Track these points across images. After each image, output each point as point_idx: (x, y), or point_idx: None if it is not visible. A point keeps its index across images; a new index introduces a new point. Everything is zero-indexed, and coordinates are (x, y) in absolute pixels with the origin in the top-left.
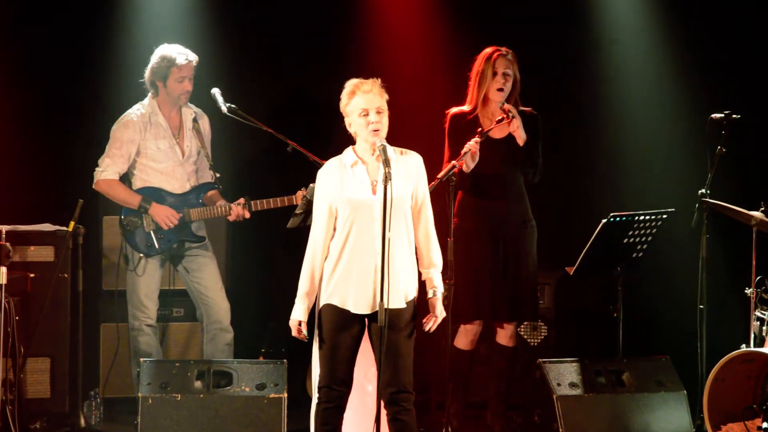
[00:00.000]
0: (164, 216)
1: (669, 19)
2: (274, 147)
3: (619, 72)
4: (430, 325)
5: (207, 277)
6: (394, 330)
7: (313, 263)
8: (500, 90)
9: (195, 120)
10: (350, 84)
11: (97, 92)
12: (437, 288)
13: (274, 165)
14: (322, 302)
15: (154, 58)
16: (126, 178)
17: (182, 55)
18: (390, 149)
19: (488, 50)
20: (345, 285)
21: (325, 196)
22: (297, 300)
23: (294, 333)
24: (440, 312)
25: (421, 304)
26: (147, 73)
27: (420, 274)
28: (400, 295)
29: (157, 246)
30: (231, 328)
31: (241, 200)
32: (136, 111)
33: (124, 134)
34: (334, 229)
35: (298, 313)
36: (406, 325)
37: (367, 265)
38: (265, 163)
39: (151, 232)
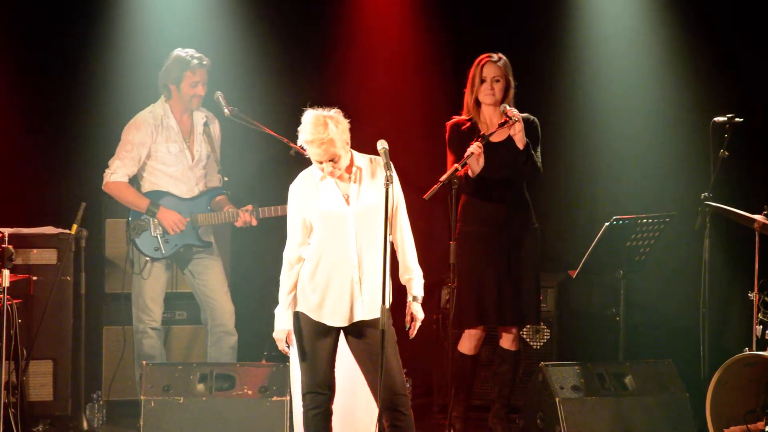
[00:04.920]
0: (171, 221)
1: (671, 21)
2: (284, 153)
3: (622, 75)
4: (411, 329)
5: (212, 280)
6: (377, 339)
7: (291, 275)
8: (488, 96)
9: (206, 124)
10: (302, 134)
11: (100, 95)
12: (416, 295)
13: (284, 171)
14: (296, 308)
15: (168, 61)
16: (135, 181)
17: (196, 59)
18: (359, 156)
19: (480, 56)
20: (320, 299)
21: (299, 210)
22: (281, 310)
23: (281, 345)
24: (419, 314)
25: (400, 309)
26: (160, 75)
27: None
28: (378, 304)
29: (163, 250)
30: (235, 332)
31: (249, 207)
32: (147, 113)
33: (135, 137)
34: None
35: (286, 323)
36: (387, 330)
37: (344, 279)
38: (274, 169)
39: (158, 236)
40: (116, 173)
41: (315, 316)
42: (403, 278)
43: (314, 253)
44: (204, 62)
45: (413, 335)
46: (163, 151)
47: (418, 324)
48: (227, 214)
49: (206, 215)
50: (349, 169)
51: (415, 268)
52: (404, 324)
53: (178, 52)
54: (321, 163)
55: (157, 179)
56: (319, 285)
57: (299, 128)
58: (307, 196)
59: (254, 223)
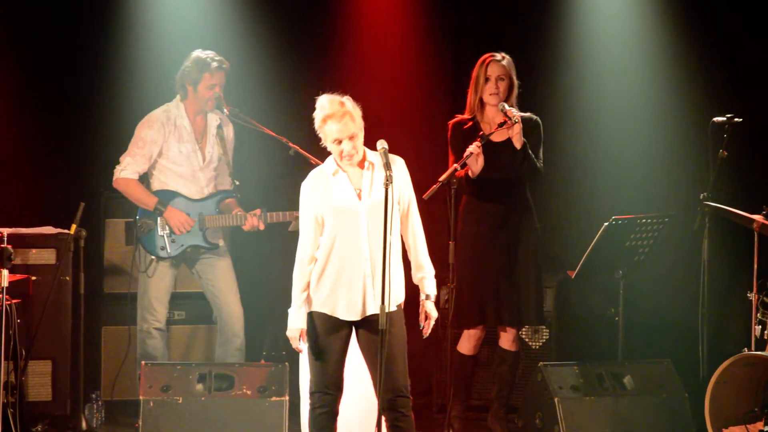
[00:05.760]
0: (178, 221)
1: (670, 20)
2: (295, 159)
3: (622, 74)
4: (425, 327)
5: (219, 281)
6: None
7: (304, 274)
8: (493, 95)
9: (219, 126)
10: (320, 111)
11: (100, 96)
12: (429, 294)
13: (294, 177)
14: (310, 308)
15: (188, 62)
16: (145, 179)
17: (216, 62)
18: (371, 152)
19: (484, 56)
20: (333, 293)
21: (311, 207)
22: (295, 309)
23: (295, 344)
24: (433, 313)
25: (414, 307)
26: (178, 75)
27: (412, 277)
28: (390, 299)
29: (169, 249)
30: (241, 334)
31: (257, 211)
32: (161, 112)
33: (148, 134)
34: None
35: (300, 321)
36: (397, 329)
37: (356, 272)
38: (285, 175)
39: (165, 236)
40: (126, 170)
41: (328, 311)
42: (416, 277)
43: (327, 248)
44: (224, 66)
45: (427, 334)
46: (174, 150)
47: (432, 322)
48: (235, 217)
49: (214, 217)
50: (361, 163)
51: (428, 266)
52: (417, 323)
53: (198, 53)
54: (340, 143)
55: (167, 178)
56: (332, 279)
57: (314, 114)
58: (319, 192)
59: (261, 227)
